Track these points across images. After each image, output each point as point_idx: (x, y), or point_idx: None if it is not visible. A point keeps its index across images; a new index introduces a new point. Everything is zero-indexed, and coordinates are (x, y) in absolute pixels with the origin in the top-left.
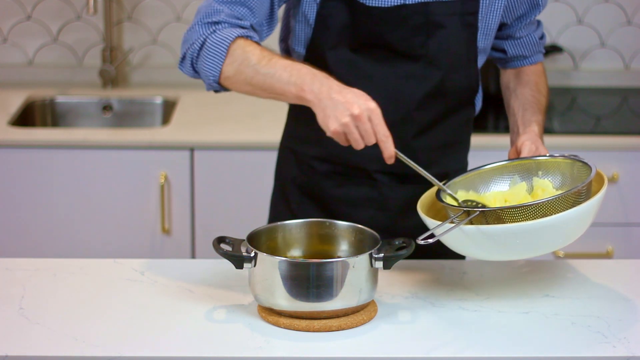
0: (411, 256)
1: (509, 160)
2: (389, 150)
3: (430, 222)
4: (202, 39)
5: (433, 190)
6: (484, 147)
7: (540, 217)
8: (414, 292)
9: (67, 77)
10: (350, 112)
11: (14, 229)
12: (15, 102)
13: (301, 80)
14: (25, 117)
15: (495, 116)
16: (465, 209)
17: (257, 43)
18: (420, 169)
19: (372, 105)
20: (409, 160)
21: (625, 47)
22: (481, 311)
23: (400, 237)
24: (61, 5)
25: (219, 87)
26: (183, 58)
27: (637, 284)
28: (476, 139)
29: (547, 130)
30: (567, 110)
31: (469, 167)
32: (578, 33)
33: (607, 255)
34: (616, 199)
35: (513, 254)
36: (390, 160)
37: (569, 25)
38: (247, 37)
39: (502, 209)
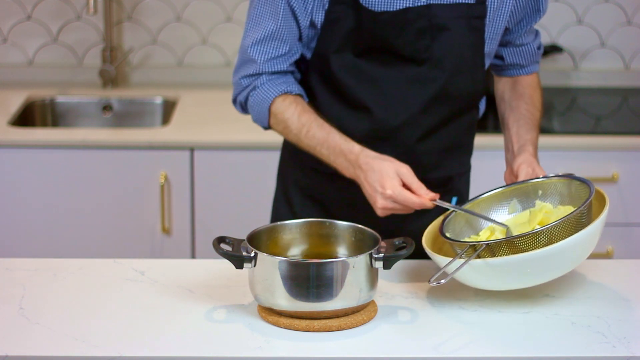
0: (411, 256)
1: (506, 186)
2: (428, 207)
3: (439, 259)
4: (245, 93)
5: (435, 224)
6: (485, 148)
7: (545, 243)
8: (414, 292)
9: (67, 77)
10: (377, 206)
11: (14, 229)
12: (15, 102)
13: (338, 162)
14: (25, 117)
15: (496, 116)
16: (470, 243)
17: (296, 97)
18: (460, 208)
19: (388, 190)
20: (447, 204)
21: (625, 47)
22: (481, 311)
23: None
24: (61, 5)
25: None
26: (234, 101)
27: (637, 284)
28: (477, 139)
29: (547, 130)
30: (567, 110)
31: (471, 170)
32: (578, 33)
33: (607, 255)
34: (616, 199)
35: (525, 282)
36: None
37: (569, 25)
38: (286, 92)
39: (506, 239)
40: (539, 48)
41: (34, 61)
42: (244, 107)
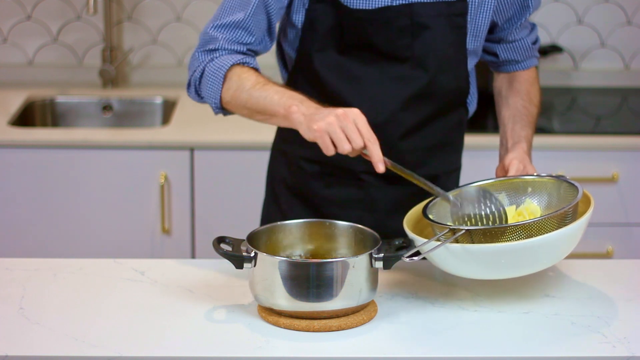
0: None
1: (496, 178)
2: (377, 154)
3: (416, 238)
4: (202, 66)
5: (419, 206)
6: (484, 147)
7: (526, 237)
8: (414, 292)
9: (67, 77)
10: (335, 113)
11: (14, 229)
12: (15, 102)
13: (290, 101)
14: (25, 117)
15: (495, 116)
16: (451, 227)
17: (254, 69)
18: (415, 175)
19: (357, 110)
20: (401, 167)
21: (625, 47)
22: (481, 311)
23: (391, 237)
24: (61, 5)
25: (223, 111)
26: (188, 85)
27: (637, 284)
28: (476, 139)
29: (548, 130)
30: (567, 110)
31: (463, 169)
32: (578, 33)
33: (607, 255)
34: (616, 199)
35: (498, 273)
36: (379, 167)
37: (569, 25)
38: (244, 63)
39: (488, 228)
40: (534, 42)
41: (34, 61)
42: (197, 87)
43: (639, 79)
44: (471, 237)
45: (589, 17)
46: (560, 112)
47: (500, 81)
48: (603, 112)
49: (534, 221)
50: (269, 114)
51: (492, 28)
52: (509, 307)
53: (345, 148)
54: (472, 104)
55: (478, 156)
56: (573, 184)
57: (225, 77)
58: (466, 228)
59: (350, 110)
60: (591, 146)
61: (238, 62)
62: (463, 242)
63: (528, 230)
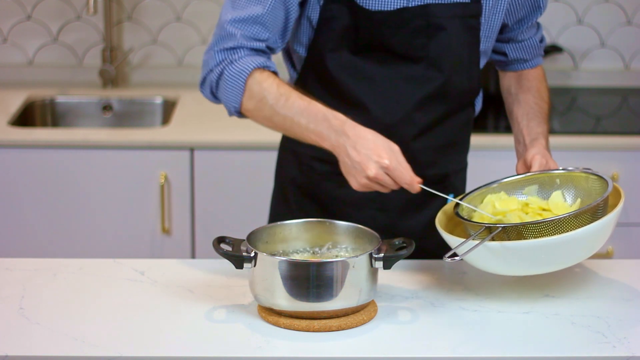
0: (411, 256)
1: (522, 174)
2: (415, 190)
3: (452, 239)
4: (220, 68)
5: (449, 206)
6: (485, 147)
7: (561, 232)
8: (414, 292)
9: (67, 77)
10: (366, 175)
11: (14, 229)
12: (15, 102)
13: (319, 130)
14: (25, 117)
15: (495, 116)
16: (486, 225)
17: (274, 74)
18: (446, 195)
19: (385, 160)
20: (435, 191)
21: (625, 47)
22: (481, 311)
23: (401, 237)
24: (61, 5)
25: (241, 115)
26: (203, 82)
27: (637, 284)
28: (476, 139)
29: None
30: (567, 110)
31: (469, 168)
32: (578, 33)
33: (607, 255)
34: None
35: (536, 268)
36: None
37: (569, 25)
38: (264, 67)
39: (523, 224)
40: (541, 41)
41: (34, 61)
42: (213, 89)
43: (639, 79)
44: (507, 234)
45: (589, 17)
46: (560, 112)
47: (508, 80)
48: (603, 112)
49: (569, 215)
50: (298, 137)
51: (502, 28)
52: (509, 307)
53: (387, 191)
54: (479, 103)
55: (478, 156)
56: (601, 177)
57: (245, 85)
58: (502, 225)
59: (380, 165)
60: (591, 146)
61: (259, 66)
62: (499, 240)
63: (563, 224)
